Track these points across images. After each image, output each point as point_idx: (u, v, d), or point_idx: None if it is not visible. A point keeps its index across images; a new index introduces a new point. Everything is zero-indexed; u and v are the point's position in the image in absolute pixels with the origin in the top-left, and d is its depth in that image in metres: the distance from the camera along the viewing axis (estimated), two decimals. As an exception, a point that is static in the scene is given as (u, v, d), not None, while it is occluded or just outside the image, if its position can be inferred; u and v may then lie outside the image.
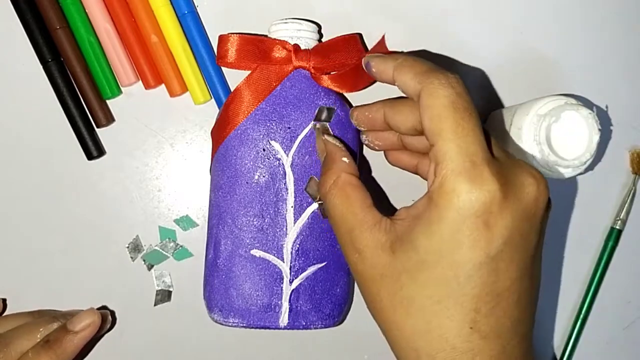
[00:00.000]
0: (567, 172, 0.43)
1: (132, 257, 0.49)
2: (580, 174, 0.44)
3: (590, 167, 0.45)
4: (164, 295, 0.49)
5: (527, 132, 0.43)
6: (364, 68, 0.41)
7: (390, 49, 0.45)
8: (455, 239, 0.33)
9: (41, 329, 0.44)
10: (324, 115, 0.44)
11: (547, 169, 0.43)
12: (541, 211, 0.35)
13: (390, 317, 0.35)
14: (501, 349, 0.34)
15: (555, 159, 0.42)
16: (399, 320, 0.35)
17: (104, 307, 0.49)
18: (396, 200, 0.50)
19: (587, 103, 0.49)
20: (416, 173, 0.44)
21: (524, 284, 0.35)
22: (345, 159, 0.40)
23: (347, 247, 0.37)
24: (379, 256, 0.35)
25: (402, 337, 0.35)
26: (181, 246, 0.49)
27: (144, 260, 0.49)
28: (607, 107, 0.51)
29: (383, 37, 0.44)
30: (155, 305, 0.49)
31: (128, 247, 0.49)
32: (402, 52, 0.41)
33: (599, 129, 0.42)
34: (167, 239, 0.49)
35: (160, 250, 0.49)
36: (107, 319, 0.47)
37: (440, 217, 0.33)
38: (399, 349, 0.36)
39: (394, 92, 0.49)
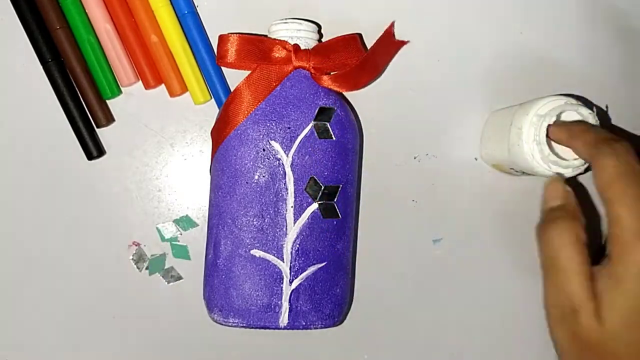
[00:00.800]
0: (567, 172, 0.43)
1: (138, 268, 0.49)
2: (580, 174, 0.44)
3: (590, 167, 0.45)
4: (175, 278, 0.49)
5: (527, 132, 0.43)
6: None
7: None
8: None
9: None
10: (324, 115, 0.44)
11: (547, 169, 0.43)
12: None
13: None
14: None
15: (555, 159, 0.42)
16: None
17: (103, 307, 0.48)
18: (392, 203, 0.50)
19: (587, 103, 0.49)
20: None
21: None
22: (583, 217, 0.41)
23: (568, 320, 0.39)
24: (589, 322, 0.37)
25: None
26: (183, 245, 0.49)
27: (148, 270, 0.49)
28: (607, 107, 0.51)
29: (392, 24, 0.44)
30: (168, 283, 0.49)
31: (133, 258, 0.49)
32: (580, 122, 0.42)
33: None
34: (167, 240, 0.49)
35: (159, 254, 0.49)
36: None
37: (630, 279, 0.36)
38: None
39: (395, 90, 0.49)
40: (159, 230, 0.49)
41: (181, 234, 0.49)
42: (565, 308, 0.39)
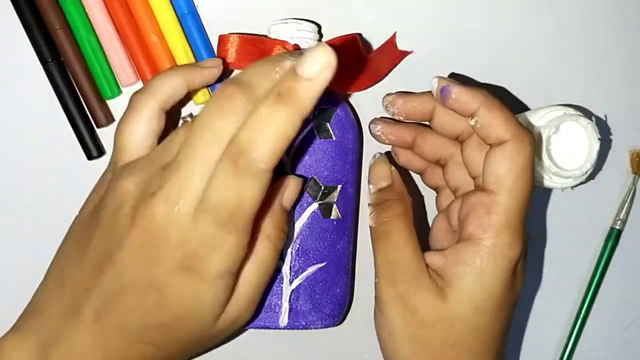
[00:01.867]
0: (568, 183, 0.43)
1: None
2: (582, 183, 0.44)
3: (592, 176, 0.46)
4: None
5: None
6: (438, 92, 0.40)
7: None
8: (505, 285, 0.38)
9: (277, 68, 0.34)
10: (324, 115, 0.44)
11: (548, 180, 0.43)
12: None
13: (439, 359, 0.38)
14: None
15: (556, 170, 0.42)
16: None
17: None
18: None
19: (585, 112, 0.49)
20: (421, 175, 0.47)
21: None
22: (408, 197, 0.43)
23: (396, 288, 0.39)
24: (432, 302, 0.38)
25: None
26: None
27: None
28: (605, 116, 0.51)
29: (394, 35, 0.44)
30: None
31: None
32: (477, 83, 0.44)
33: (599, 138, 0.42)
34: None
35: None
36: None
37: (496, 267, 0.37)
38: None
39: (395, 91, 0.49)
40: None
41: None
42: (400, 284, 0.39)
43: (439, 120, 0.42)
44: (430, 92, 0.42)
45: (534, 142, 0.38)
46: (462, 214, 0.39)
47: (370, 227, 0.43)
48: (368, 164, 0.50)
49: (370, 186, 0.44)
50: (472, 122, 0.39)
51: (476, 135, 0.40)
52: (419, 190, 0.50)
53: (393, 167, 0.44)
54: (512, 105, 0.51)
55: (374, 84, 0.47)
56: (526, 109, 0.50)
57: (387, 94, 0.44)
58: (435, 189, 0.46)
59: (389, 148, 0.50)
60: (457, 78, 0.50)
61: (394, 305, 0.39)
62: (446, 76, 0.41)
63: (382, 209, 0.42)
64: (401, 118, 0.44)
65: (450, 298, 0.38)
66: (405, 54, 0.47)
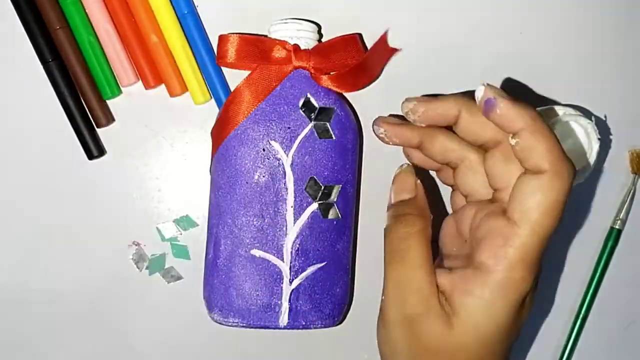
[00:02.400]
0: None
1: (138, 268, 0.49)
2: (581, 183, 0.44)
3: (591, 176, 0.45)
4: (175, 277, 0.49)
5: None
6: (482, 102, 0.37)
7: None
8: (513, 317, 0.36)
9: None
10: (324, 115, 0.44)
11: None
12: None
13: None
14: None
15: None
16: None
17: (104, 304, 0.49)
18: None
19: (585, 112, 0.49)
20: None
21: None
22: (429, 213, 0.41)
23: (409, 321, 0.38)
24: (437, 327, 0.37)
25: None
26: (183, 245, 0.49)
27: (148, 269, 0.49)
28: (605, 116, 0.51)
29: (385, 33, 0.44)
30: (168, 283, 0.49)
31: (133, 258, 0.49)
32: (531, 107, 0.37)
33: (599, 138, 0.42)
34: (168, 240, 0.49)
35: (159, 254, 0.49)
36: None
37: (505, 300, 0.36)
38: None
39: (395, 91, 0.49)
40: (159, 230, 0.49)
41: (181, 234, 0.49)
42: (408, 307, 0.37)
43: (466, 127, 0.39)
44: (454, 96, 0.39)
45: (574, 176, 0.36)
46: (478, 235, 0.37)
47: (385, 238, 0.41)
48: (368, 164, 0.50)
49: (392, 195, 0.42)
50: (512, 142, 0.35)
51: (504, 146, 0.37)
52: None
53: (419, 181, 0.42)
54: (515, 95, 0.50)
55: (372, 82, 0.47)
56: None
57: (407, 100, 0.40)
58: (452, 186, 0.44)
59: (386, 147, 0.50)
60: (458, 77, 0.50)
61: (400, 327, 0.38)
62: (492, 85, 0.37)
63: (401, 223, 0.40)
64: (423, 125, 0.41)
65: (456, 328, 0.36)
66: (394, 51, 0.47)
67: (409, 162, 0.43)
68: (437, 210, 0.44)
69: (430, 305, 0.37)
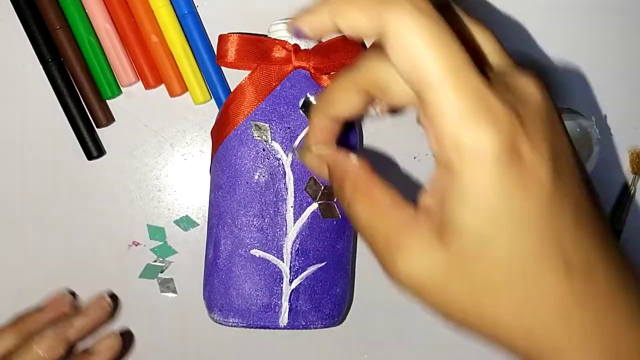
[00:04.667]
0: None
1: (163, 291, 0.49)
2: None
3: (592, 176, 0.46)
4: (170, 287, 0.49)
5: None
6: (294, 36, 0.30)
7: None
8: (503, 200, 0.26)
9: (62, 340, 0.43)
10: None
11: None
12: (553, 107, 0.28)
13: (486, 313, 0.28)
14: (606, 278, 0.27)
15: None
16: (494, 313, 0.28)
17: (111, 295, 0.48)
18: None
19: (585, 112, 0.49)
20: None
21: (586, 195, 0.29)
22: (352, 157, 0.32)
23: (389, 262, 0.29)
24: (434, 255, 0.28)
25: (505, 327, 0.28)
26: (167, 245, 0.49)
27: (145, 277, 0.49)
28: (605, 116, 0.51)
29: None
30: (161, 292, 0.49)
31: (161, 289, 0.49)
32: None
33: (599, 138, 0.42)
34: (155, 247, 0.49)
35: (153, 263, 0.49)
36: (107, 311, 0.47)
37: (470, 181, 0.26)
38: (513, 340, 0.28)
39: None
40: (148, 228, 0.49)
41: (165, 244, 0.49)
42: (388, 255, 0.29)
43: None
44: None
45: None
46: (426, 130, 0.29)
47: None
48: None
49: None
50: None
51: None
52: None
53: (319, 150, 0.34)
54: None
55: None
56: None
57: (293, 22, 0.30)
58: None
59: (386, 147, 0.50)
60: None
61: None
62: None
63: (341, 201, 0.32)
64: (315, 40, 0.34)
65: (449, 242, 0.27)
66: None
67: (294, 148, 0.38)
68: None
69: (419, 235, 0.29)
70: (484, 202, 0.26)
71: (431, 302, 0.29)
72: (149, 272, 0.49)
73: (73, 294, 0.48)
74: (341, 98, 0.31)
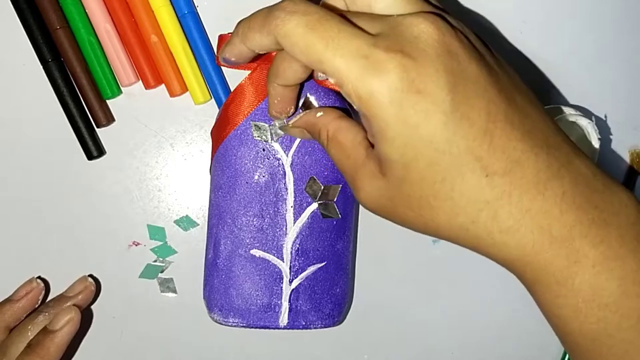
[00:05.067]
0: None
1: (163, 291, 0.49)
2: None
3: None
4: (169, 287, 0.49)
5: None
6: (225, 65, 0.39)
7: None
8: (410, 128, 0.31)
9: (29, 327, 0.44)
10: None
11: None
12: (446, 35, 0.32)
13: (429, 222, 0.34)
14: (532, 169, 0.32)
15: None
16: (434, 220, 0.33)
17: (91, 276, 0.48)
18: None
19: (585, 112, 0.49)
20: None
21: (506, 96, 0.33)
22: (319, 113, 0.38)
23: (355, 191, 0.36)
24: (379, 184, 0.34)
25: (456, 228, 0.33)
26: (167, 245, 0.49)
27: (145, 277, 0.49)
28: (605, 116, 0.51)
29: None
30: (161, 292, 0.49)
31: (161, 289, 0.49)
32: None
33: (599, 138, 0.42)
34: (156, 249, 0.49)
35: (153, 263, 0.49)
36: (89, 296, 0.47)
37: (381, 122, 0.32)
38: (456, 238, 0.34)
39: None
40: (149, 228, 0.49)
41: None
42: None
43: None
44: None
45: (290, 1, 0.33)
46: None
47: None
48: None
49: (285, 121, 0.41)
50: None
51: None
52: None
53: (294, 121, 0.41)
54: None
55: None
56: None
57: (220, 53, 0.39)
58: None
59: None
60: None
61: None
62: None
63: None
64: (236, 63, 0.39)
65: (386, 174, 0.34)
66: None
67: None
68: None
69: (368, 170, 0.35)
70: (395, 134, 0.32)
71: (389, 219, 0.35)
72: (149, 272, 0.49)
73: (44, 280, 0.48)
74: (285, 67, 0.37)
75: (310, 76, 0.44)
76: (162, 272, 0.49)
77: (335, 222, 0.44)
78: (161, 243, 0.49)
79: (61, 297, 0.47)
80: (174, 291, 0.49)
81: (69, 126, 0.47)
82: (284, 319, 0.43)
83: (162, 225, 0.49)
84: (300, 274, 0.43)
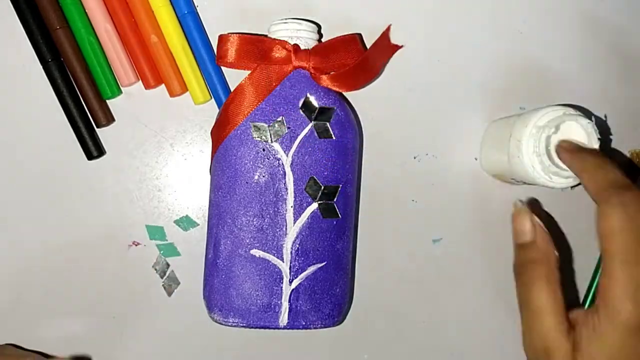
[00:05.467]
0: (568, 182, 0.43)
1: (168, 292, 0.49)
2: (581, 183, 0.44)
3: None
4: (172, 283, 0.49)
5: (526, 143, 0.43)
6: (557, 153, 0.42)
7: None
8: (618, 352, 0.36)
9: None
10: (324, 115, 0.44)
11: (548, 180, 0.43)
12: None
13: None
14: None
15: (555, 170, 0.42)
16: None
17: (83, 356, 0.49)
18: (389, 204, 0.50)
19: (585, 112, 0.49)
20: None
21: None
22: (555, 252, 0.41)
23: (530, 345, 0.39)
24: None
25: None
26: (171, 244, 0.49)
27: (155, 269, 0.49)
28: (605, 116, 0.51)
29: (388, 28, 0.44)
30: (169, 295, 0.49)
31: (164, 285, 0.49)
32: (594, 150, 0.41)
33: (599, 138, 0.42)
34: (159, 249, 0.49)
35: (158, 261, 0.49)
36: None
37: (613, 331, 0.36)
38: None
39: (395, 91, 0.49)
40: (147, 229, 0.49)
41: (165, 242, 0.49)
42: (539, 351, 0.38)
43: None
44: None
45: (631, 197, 0.37)
46: None
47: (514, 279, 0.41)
48: (368, 164, 0.50)
49: (513, 236, 0.42)
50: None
51: None
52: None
53: (537, 220, 0.41)
54: (512, 105, 0.51)
55: (373, 80, 0.47)
56: (527, 101, 0.50)
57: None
58: None
59: (386, 147, 0.50)
60: (458, 78, 0.50)
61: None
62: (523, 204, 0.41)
63: (522, 271, 0.40)
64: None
65: None
66: (397, 47, 0.47)
67: (521, 200, 0.42)
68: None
69: (557, 347, 0.37)
70: (605, 349, 0.36)
71: None
72: (168, 250, 0.49)
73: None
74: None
75: (311, 76, 0.44)
76: (163, 273, 0.49)
77: (335, 222, 0.44)
78: (167, 242, 0.49)
79: None
80: (174, 290, 0.49)
81: (69, 126, 0.47)
82: (284, 319, 0.43)
83: (162, 225, 0.49)
84: (300, 274, 0.43)
